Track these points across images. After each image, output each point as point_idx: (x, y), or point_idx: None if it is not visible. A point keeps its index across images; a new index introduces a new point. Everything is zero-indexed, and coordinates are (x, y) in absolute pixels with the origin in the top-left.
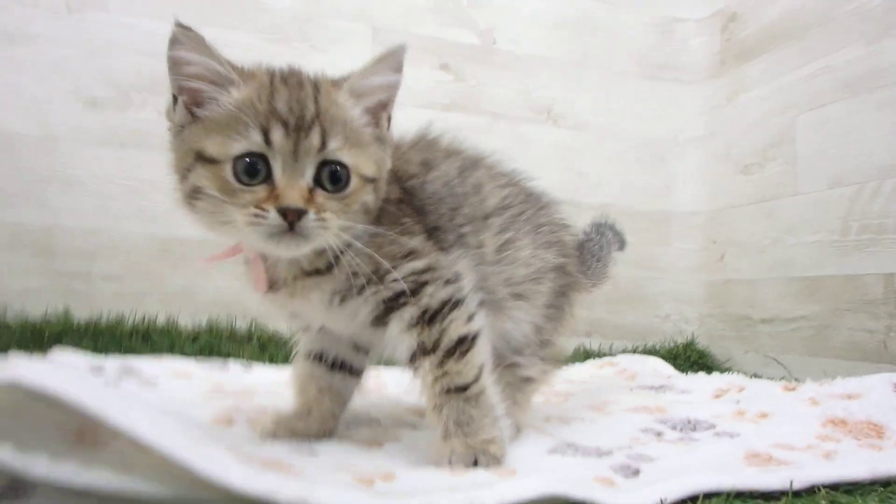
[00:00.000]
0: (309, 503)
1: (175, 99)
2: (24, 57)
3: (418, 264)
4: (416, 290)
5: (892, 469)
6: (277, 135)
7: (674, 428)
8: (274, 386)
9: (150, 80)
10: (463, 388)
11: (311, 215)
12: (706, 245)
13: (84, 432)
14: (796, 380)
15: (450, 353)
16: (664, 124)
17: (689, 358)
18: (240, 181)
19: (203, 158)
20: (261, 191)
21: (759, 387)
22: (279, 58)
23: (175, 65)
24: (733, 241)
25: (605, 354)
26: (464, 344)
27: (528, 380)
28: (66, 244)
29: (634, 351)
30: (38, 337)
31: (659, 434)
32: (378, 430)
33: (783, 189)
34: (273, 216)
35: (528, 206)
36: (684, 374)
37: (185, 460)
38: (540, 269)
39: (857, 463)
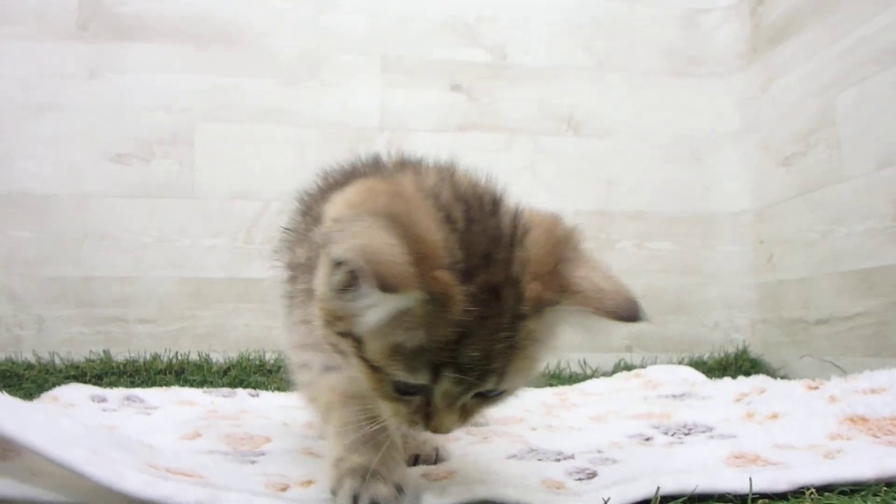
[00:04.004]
0: None
1: None
2: (54, 124)
3: None
4: None
5: None
6: None
7: (666, 433)
8: (271, 411)
9: (171, 132)
10: None
11: None
12: (753, 245)
13: None
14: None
15: None
16: (697, 121)
17: (741, 368)
18: None
19: None
20: None
21: (780, 388)
22: (293, 99)
23: None
24: (781, 238)
25: None
26: None
27: None
28: (103, 293)
29: (680, 363)
30: (81, 377)
31: (648, 439)
32: None
33: (828, 176)
34: None
35: None
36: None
37: (78, 468)
38: None
39: (860, 462)
